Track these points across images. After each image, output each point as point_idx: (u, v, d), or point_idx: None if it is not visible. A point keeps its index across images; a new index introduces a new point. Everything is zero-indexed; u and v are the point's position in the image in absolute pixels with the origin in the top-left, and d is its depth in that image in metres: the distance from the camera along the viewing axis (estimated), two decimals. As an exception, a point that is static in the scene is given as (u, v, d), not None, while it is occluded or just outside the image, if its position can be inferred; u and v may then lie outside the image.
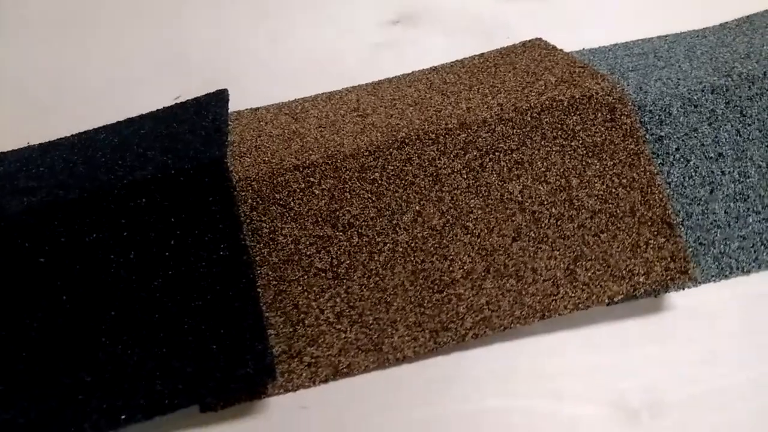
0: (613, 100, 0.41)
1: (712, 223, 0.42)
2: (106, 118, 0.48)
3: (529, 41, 0.52)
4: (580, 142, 0.40)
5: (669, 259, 0.38)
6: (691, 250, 0.41)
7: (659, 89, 0.45)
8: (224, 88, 0.49)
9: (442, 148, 0.40)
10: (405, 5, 0.63)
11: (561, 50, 0.48)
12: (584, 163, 0.40)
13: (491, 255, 0.38)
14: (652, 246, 0.39)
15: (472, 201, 0.39)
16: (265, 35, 0.61)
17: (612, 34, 0.57)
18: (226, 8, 0.62)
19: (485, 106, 0.41)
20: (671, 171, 0.43)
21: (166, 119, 0.44)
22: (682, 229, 0.42)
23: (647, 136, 0.43)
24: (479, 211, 0.39)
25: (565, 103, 0.41)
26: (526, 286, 0.38)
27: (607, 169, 0.40)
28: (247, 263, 0.35)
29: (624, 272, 0.38)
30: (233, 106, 0.48)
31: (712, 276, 0.41)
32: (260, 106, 0.50)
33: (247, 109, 0.50)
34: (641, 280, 0.38)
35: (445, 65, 0.52)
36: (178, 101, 0.49)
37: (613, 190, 0.39)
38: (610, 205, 0.39)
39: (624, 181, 0.40)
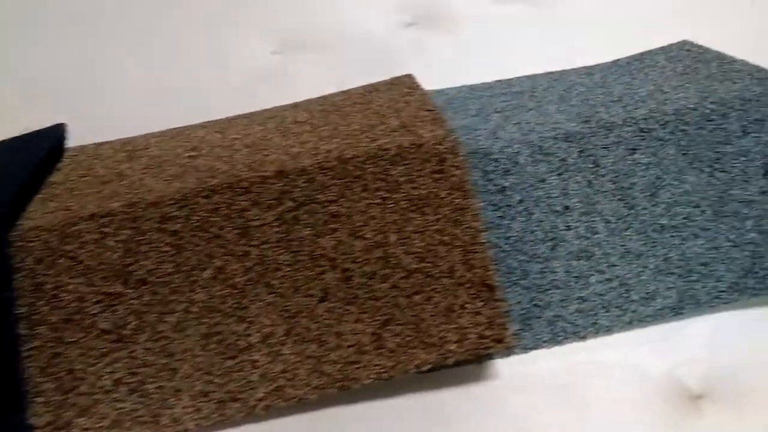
0: (444, 150, 0.38)
1: (550, 283, 0.39)
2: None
3: (398, 78, 0.49)
4: (404, 194, 0.37)
5: (485, 326, 0.36)
6: (524, 312, 0.39)
7: (511, 135, 0.42)
8: (62, 123, 0.46)
9: (254, 198, 0.37)
10: (290, 32, 0.61)
11: (421, 90, 0.46)
12: (405, 217, 0.37)
13: (294, 317, 0.36)
14: (468, 311, 0.36)
15: (281, 257, 0.36)
16: (137, 63, 0.59)
17: (508, 70, 0.54)
18: (95, 35, 0.60)
19: (312, 153, 0.39)
20: (512, 225, 0.40)
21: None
22: (517, 289, 0.39)
23: (490, 187, 0.41)
24: (287, 268, 0.36)
25: (392, 153, 0.38)
26: (327, 353, 0.35)
27: (429, 224, 0.37)
28: (9, 322, 0.32)
29: (435, 339, 0.35)
30: (98, 137, 0.45)
31: (544, 342, 0.38)
32: (108, 141, 0.48)
33: (92, 144, 0.47)
34: (453, 348, 0.35)
35: (308, 101, 0.49)
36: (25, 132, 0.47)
37: (433, 248, 0.37)
38: (428, 265, 0.37)
39: (446, 238, 0.37)
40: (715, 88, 0.45)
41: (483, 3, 0.62)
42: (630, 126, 0.42)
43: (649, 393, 0.36)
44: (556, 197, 0.41)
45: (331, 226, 0.37)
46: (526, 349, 0.38)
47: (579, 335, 0.38)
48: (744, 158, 0.42)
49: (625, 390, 0.37)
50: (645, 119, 0.42)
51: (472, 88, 0.52)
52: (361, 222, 0.37)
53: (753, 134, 0.42)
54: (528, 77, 0.53)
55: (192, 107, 0.51)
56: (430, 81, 0.53)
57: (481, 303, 0.36)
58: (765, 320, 0.39)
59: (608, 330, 0.38)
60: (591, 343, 0.38)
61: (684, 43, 0.54)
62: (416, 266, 0.36)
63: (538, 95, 0.48)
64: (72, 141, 0.47)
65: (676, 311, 0.39)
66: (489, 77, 0.54)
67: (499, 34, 0.60)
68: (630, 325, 0.39)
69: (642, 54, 0.54)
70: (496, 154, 0.41)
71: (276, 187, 0.37)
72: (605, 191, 0.41)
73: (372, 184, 0.38)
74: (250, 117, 0.48)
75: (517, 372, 0.37)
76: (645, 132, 0.42)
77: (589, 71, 0.52)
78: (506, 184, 0.41)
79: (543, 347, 0.38)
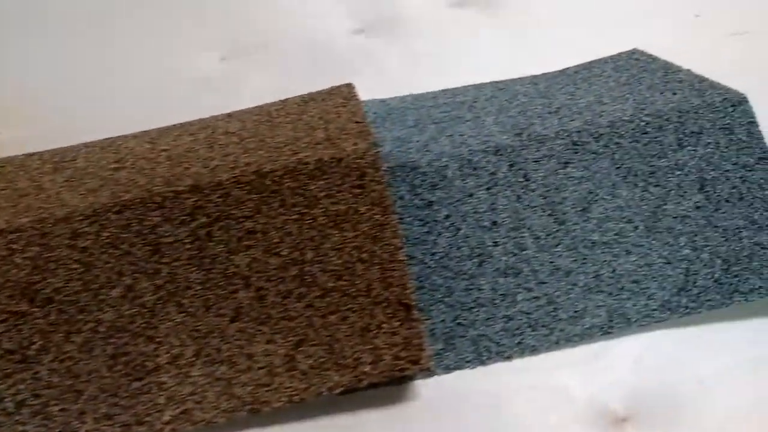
0: (365, 164, 0.37)
1: (475, 301, 0.38)
2: None
3: (337, 87, 0.48)
4: (322, 210, 0.36)
5: (401, 347, 0.34)
6: (447, 331, 0.38)
7: (442, 148, 0.41)
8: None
9: (167, 214, 0.36)
10: (239, 38, 0.60)
11: (355, 100, 0.45)
12: (323, 234, 0.36)
13: (204, 338, 0.35)
14: (384, 331, 0.35)
15: (193, 275, 0.35)
16: (83, 70, 0.58)
17: (459, 78, 0.53)
18: (39, 43, 0.59)
19: (231, 166, 0.38)
20: (438, 240, 0.39)
21: None
22: (441, 306, 0.38)
23: (417, 201, 0.40)
24: (198, 287, 0.35)
25: (311, 167, 0.37)
26: (238, 375, 0.34)
27: (347, 241, 0.36)
28: None
29: (350, 360, 0.34)
30: (36, 146, 0.44)
31: (468, 362, 0.37)
32: (39, 151, 0.47)
33: (22, 155, 0.46)
34: (367, 370, 0.34)
35: (244, 111, 0.48)
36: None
37: (351, 266, 0.36)
38: (345, 283, 0.35)
39: (364, 255, 0.36)
40: (654, 99, 0.44)
41: (435, 9, 0.61)
42: (562, 139, 0.41)
43: (573, 416, 0.35)
44: (484, 212, 0.40)
45: (246, 243, 0.36)
46: (449, 369, 0.37)
47: (504, 355, 0.37)
48: (679, 172, 0.41)
49: (550, 414, 0.35)
50: (578, 132, 0.41)
51: (415, 98, 0.51)
52: (277, 239, 0.36)
53: (689, 147, 0.41)
54: (474, 87, 0.52)
55: (138, 115, 0.51)
56: (378, 89, 0.52)
57: (398, 323, 0.35)
58: (697, 340, 0.38)
59: (534, 350, 0.37)
60: (517, 363, 0.37)
61: (633, 51, 0.53)
62: (333, 285, 0.35)
63: (478, 106, 0.47)
64: (9, 151, 0.46)
65: (605, 330, 0.38)
66: (439, 85, 0.53)
67: (451, 41, 0.59)
68: (557, 344, 0.38)
69: (591, 63, 0.53)
70: (424, 167, 0.40)
71: (189, 202, 0.36)
72: (535, 206, 0.40)
73: (290, 199, 0.37)
74: (184, 127, 0.47)
75: (438, 393, 0.36)
76: (578, 145, 0.41)
77: (534, 81, 0.51)
78: (433, 198, 0.40)
79: (466, 368, 0.37)
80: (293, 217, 0.36)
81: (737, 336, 0.38)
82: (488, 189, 0.40)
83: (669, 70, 0.48)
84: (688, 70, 0.47)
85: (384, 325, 0.35)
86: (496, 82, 0.52)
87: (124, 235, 0.36)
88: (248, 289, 0.35)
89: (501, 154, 0.41)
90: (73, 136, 0.47)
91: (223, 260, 0.36)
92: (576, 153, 0.41)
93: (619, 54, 0.53)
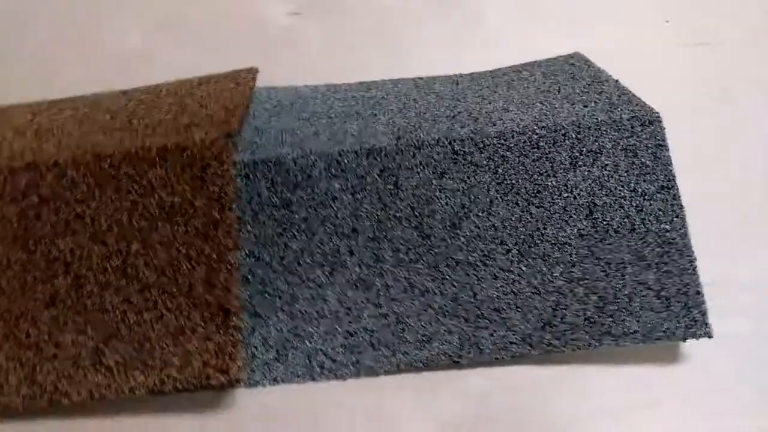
0: (209, 156, 0.35)
1: (318, 312, 0.36)
2: None
3: (239, 71, 0.46)
4: (157, 200, 0.34)
5: (212, 354, 0.32)
6: (283, 341, 0.35)
7: (312, 146, 0.38)
8: None
9: (0, 191, 0.35)
10: (165, 15, 0.58)
11: (248, 85, 0.42)
12: (153, 226, 0.34)
13: (16, 320, 0.33)
14: (198, 335, 0.33)
15: (16, 255, 0.34)
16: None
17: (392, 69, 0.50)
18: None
19: (75, 146, 0.36)
20: (290, 243, 0.36)
21: None
22: (281, 314, 0.35)
23: (275, 199, 0.37)
24: (18, 268, 0.34)
25: (153, 154, 0.35)
26: (43, 362, 0.33)
27: (177, 236, 0.34)
28: None
29: (158, 362, 0.32)
30: None
31: (298, 377, 0.35)
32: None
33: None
34: (173, 373, 0.32)
35: (140, 88, 0.46)
36: None
37: (176, 263, 0.34)
38: (167, 280, 0.33)
39: (192, 253, 0.34)
40: (560, 110, 0.40)
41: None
42: (442, 146, 0.38)
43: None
44: (345, 218, 0.37)
45: (73, 227, 0.34)
46: (276, 381, 0.34)
47: (338, 374, 0.35)
48: (567, 194, 0.37)
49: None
50: (461, 140, 0.38)
51: (328, 88, 0.48)
52: (105, 226, 0.34)
53: (583, 167, 0.37)
54: (393, 81, 0.48)
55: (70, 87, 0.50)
56: (301, 74, 0.49)
57: (214, 328, 0.33)
58: (555, 382, 0.35)
59: (372, 371, 0.35)
60: (350, 383, 0.35)
61: (573, 55, 0.48)
62: (154, 280, 0.34)
63: (383, 103, 0.44)
64: None
65: (453, 359, 0.35)
66: (368, 75, 0.50)
67: (390, 29, 0.55)
68: (398, 369, 0.35)
69: (524, 65, 0.49)
70: (289, 164, 0.38)
71: (23, 180, 0.35)
72: (400, 216, 0.37)
73: (125, 186, 0.35)
74: (77, 100, 0.45)
75: (257, 405, 0.34)
76: (458, 155, 0.38)
77: (456, 80, 0.47)
78: (293, 198, 0.37)
79: (295, 382, 0.34)
80: (125, 205, 0.34)
81: (600, 383, 0.35)
82: (353, 193, 0.37)
83: (596, 79, 0.43)
84: (616, 81, 0.43)
85: (199, 329, 0.33)
86: (418, 78, 0.48)
87: (-46, 208, 0.35)
88: (67, 276, 0.34)
89: (374, 157, 0.38)
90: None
91: (47, 243, 0.34)
92: (455, 163, 0.37)
93: (557, 57, 0.49)
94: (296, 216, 0.37)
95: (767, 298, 0.37)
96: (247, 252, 0.36)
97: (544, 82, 0.44)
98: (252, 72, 0.45)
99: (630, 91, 0.41)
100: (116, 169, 0.35)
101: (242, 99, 0.40)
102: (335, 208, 0.37)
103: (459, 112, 0.41)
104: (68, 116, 0.42)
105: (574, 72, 0.45)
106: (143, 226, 0.34)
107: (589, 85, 0.43)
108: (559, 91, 0.42)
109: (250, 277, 0.36)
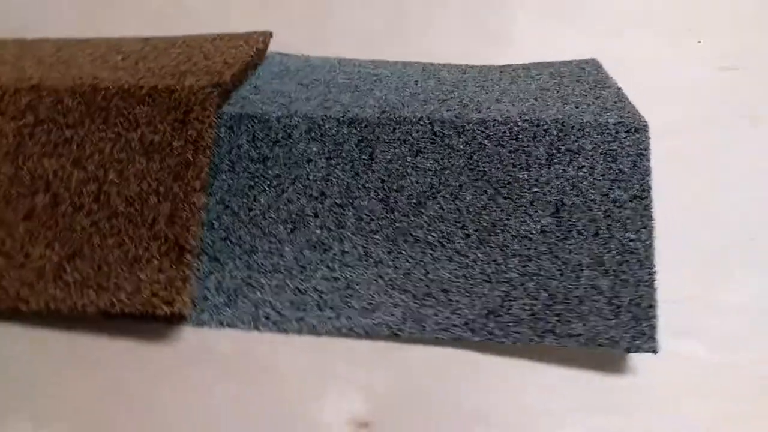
0: (194, 101, 0.36)
1: (273, 266, 0.37)
2: None
3: (253, 33, 0.47)
4: (139, 136, 0.36)
5: (162, 286, 0.34)
6: (235, 288, 0.36)
7: (298, 108, 0.40)
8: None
9: (2, 108, 0.38)
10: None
11: (253, 46, 0.44)
12: (131, 159, 0.36)
13: (-5, 228, 0.36)
14: (153, 266, 0.34)
15: (5, 169, 0.37)
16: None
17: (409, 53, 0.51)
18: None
19: (78, 78, 0.39)
20: (258, 197, 0.38)
21: None
22: (238, 262, 0.37)
23: (253, 153, 0.39)
24: (6, 182, 0.37)
25: (143, 92, 0.37)
26: (11, 269, 0.35)
27: (151, 172, 0.36)
28: None
29: (111, 284, 0.34)
30: None
31: (244, 323, 0.36)
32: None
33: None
34: (122, 297, 0.34)
35: (172, 37, 0.48)
36: None
37: (145, 196, 0.35)
38: (134, 211, 0.35)
39: (162, 189, 0.35)
40: (549, 107, 0.39)
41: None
42: (422, 125, 0.38)
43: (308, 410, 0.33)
44: (315, 180, 0.38)
45: (60, 150, 0.37)
46: (222, 324, 0.36)
47: (281, 327, 0.36)
48: (537, 189, 0.37)
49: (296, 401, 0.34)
50: (441, 122, 0.38)
51: (339, 61, 0.49)
52: (88, 153, 0.36)
53: (558, 165, 0.37)
54: (404, 63, 0.49)
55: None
56: (321, 46, 0.51)
57: (168, 263, 0.34)
58: (492, 372, 0.35)
59: (314, 330, 0.35)
60: (293, 339, 0.36)
61: (588, 61, 0.48)
62: (122, 210, 0.35)
63: (384, 81, 0.44)
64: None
65: (394, 331, 0.35)
66: (392, 55, 0.51)
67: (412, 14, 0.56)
68: (339, 332, 0.35)
69: (536, 64, 0.48)
70: (272, 122, 0.39)
71: (23, 100, 0.37)
72: (369, 187, 0.37)
73: (113, 118, 0.37)
74: (108, 40, 0.48)
75: (199, 344, 0.35)
76: (437, 136, 0.38)
77: (464, 69, 0.47)
78: (270, 154, 0.38)
79: (240, 328, 0.36)
80: (110, 136, 0.37)
81: (536, 381, 0.34)
82: (328, 158, 0.38)
83: (599, 84, 0.43)
84: (618, 89, 0.42)
85: (154, 261, 0.34)
86: (430, 64, 0.49)
87: (-41, 117, 0.37)
88: (47, 193, 0.36)
89: (354, 127, 0.38)
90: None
91: (34, 161, 0.37)
92: (432, 143, 0.38)
93: (571, 61, 0.48)
94: (270, 172, 0.38)
95: (733, 326, 0.36)
96: (217, 199, 0.38)
97: (547, 81, 0.44)
98: (264, 35, 0.47)
99: (627, 99, 0.40)
100: (108, 101, 0.37)
101: (244, 56, 0.42)
102: (308, 170, 0.38)
103: (452, 98, 0.41)
104: (87, 53, 0.44)
105: (581, 75, 0.45)
106: (122, 157, 0.36)
107: (590, 89, 0.42)
108: (558, 91, 0.42)
109: (216, 223, 0.37)
